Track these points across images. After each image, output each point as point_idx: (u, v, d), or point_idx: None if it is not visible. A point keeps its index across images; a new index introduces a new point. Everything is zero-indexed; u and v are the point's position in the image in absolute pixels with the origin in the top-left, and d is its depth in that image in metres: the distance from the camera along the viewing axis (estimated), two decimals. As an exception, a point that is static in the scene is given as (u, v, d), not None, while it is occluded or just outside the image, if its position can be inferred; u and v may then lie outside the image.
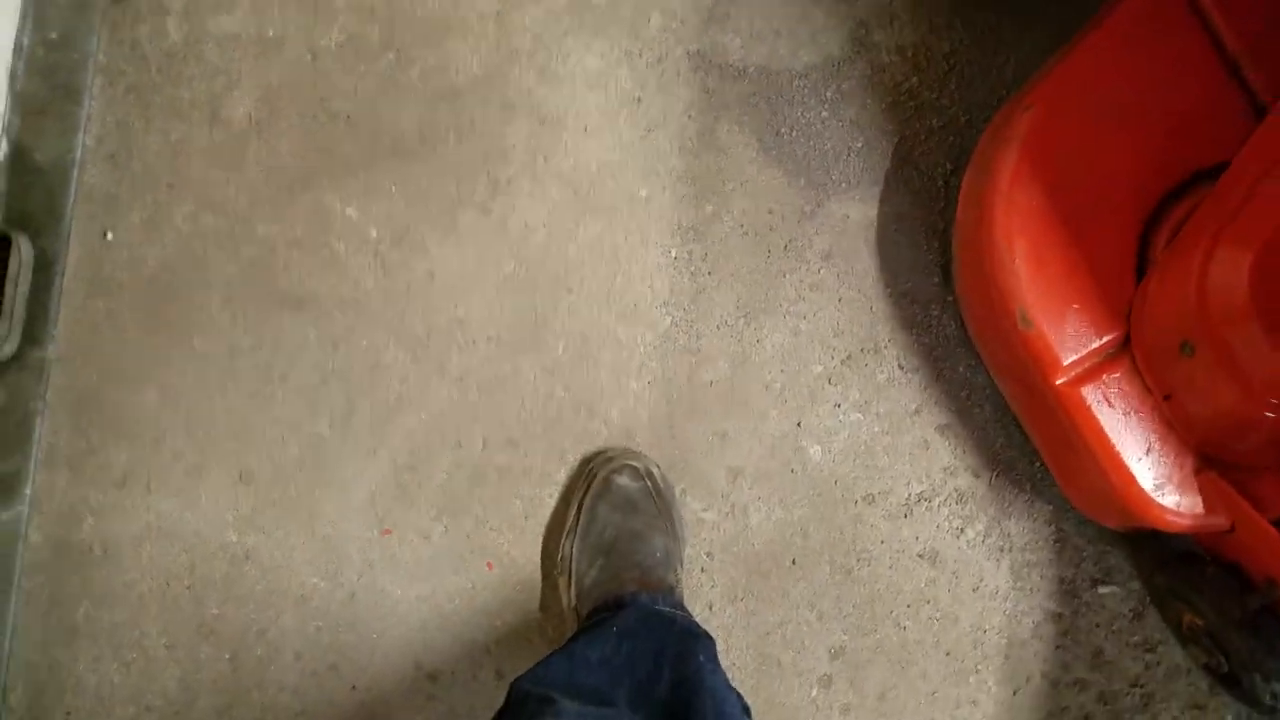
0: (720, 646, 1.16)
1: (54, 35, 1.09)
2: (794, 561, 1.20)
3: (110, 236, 1.14)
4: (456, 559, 1.16)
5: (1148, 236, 1.08)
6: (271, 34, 1.16)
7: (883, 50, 1.19)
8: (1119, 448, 1.07)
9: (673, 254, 1.19)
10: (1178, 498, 1.08)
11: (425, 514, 1.17)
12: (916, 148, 1.20)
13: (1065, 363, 1.07)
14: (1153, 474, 1.07)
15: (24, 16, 1.06)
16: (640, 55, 1.18)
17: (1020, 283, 1.07)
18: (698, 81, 1.18)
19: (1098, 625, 1.21)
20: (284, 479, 1.16)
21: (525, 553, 1.17)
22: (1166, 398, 1.06)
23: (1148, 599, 1.22)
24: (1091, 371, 1.07)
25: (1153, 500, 1.08)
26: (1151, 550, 1.21)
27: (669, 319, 1.18)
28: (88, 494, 1.14)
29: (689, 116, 1.18)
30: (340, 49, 1.16)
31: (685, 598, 1.16)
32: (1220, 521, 1.07)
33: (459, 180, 1.17)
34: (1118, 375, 1.07)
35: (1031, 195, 1.07)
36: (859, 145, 1.19)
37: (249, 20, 1.16)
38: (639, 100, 1.18)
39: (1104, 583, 1.22)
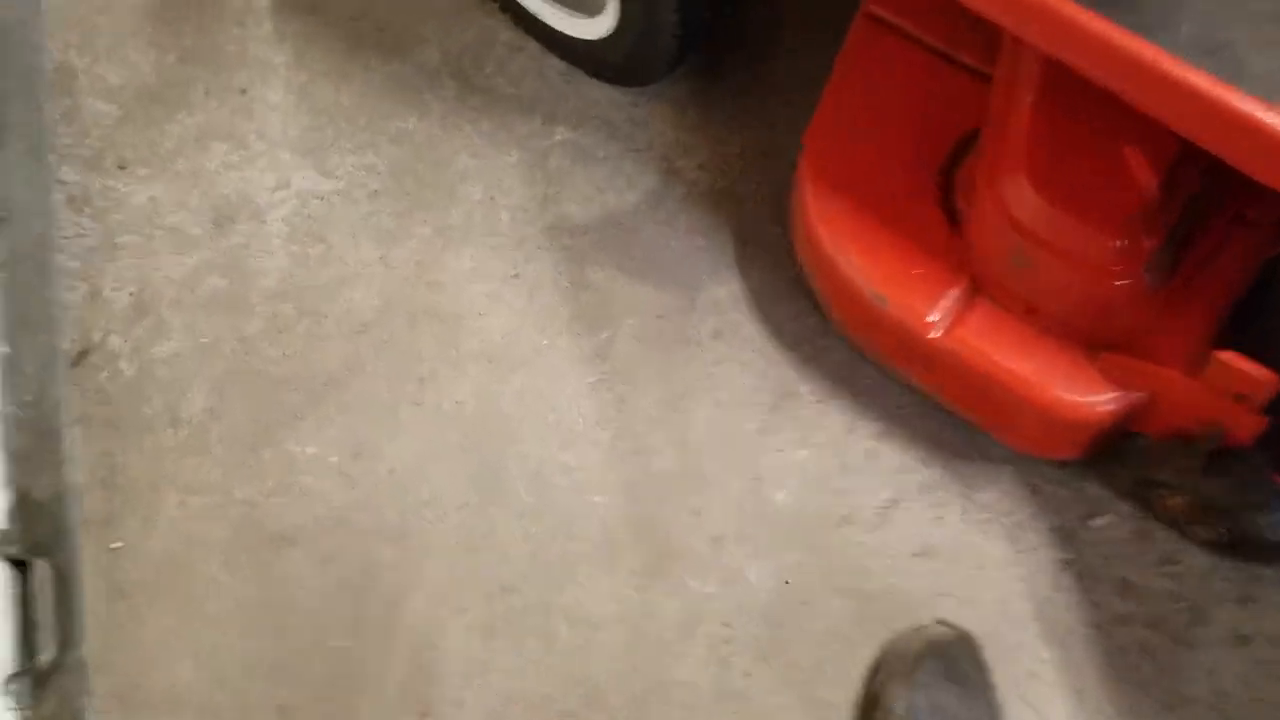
0: (770, 709, 1.20)
1: (28, 398, 1.29)
2: (804, 602, 1.25)
3: (116, 546, 1.29)
4: (492, 716, 1.21)
5: (948, 199, 1.25)
6: (205, 340, 1.37)
7: (687, 171, 1.42)
8: (1016, 369, 1.16)
9: (589, 380, 1.34)
10: (1090, 391, 1.15)
11: (453, 685, 1.23)
12: (749, 230, 1.40)
13: (931, 319, 1.19)
14: (1058, 378, 1.15)
15: (2, 390, 1.27)
16: (504, 246, 1.41)
17: (861, 272, 1.22)
18: (557, 245, 1.40)
19: (1109, 558, 1.24)
20: (320, 699, 1.23)
21: (555, 685, 1.22)
22: (1030, 311, 1.18)
23: (1145, 516, 1.24)
24: (958, 317, 1.20)
25: (1070, 401, 1.15)
26: (1116, 463, 1.24)
27: (607, 434, 1.32)
28: (149, 780, 1.20)
29: (559, 272, 1.39)
30: (264, 331, 1.38)
31: (715, 675, 1.22)
32: (1139, 394, 1.14)
33: (389, 387, 1.34)
34: (980, 312, 1.19)
35: (837, 204, 1.24)
36: (702, 244, 1.39)
37: (184, 338, 1.37)
38: (516, 276, 1.39)
39: (1094, 516, 1.26)
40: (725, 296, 1.37)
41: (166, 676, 1.23)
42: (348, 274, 1.40)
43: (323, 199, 1.44)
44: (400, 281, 1.40)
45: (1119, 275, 1.04)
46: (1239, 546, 1.16)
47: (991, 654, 1.21)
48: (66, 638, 1.20)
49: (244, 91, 1.49)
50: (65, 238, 1.43)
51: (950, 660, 1.18)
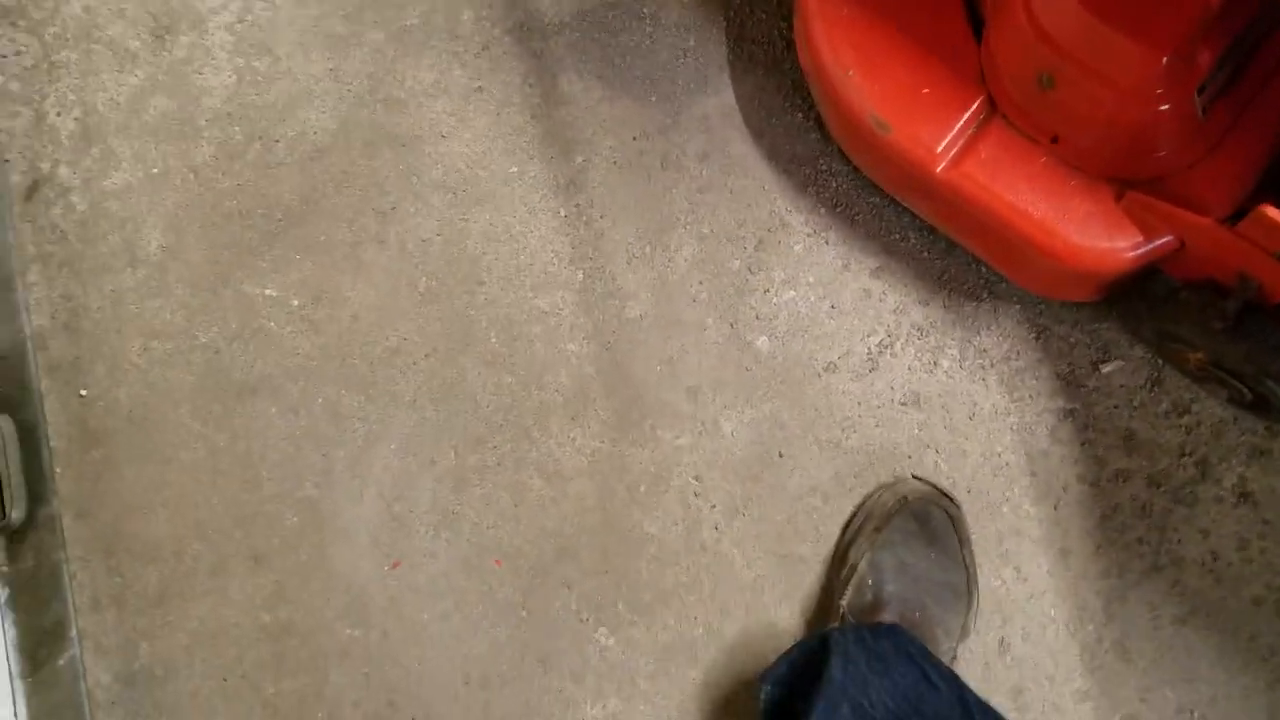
0: (739, 564, 1.15)
1: (-22, 240, 1.24)
2: (780, 454, 1.17)
3: (85, 393, 1.26)
4: (466, 566, 1.19)
5: (971, 4, 1.04)
6: (156, 170, 1.27)
7: None
8: (1031, 210, 1.01)
9: (562, 213, 1.22)
10: (1111, 235, 1.00)
11: (425, 536, 1.20)
12: (746, 24, 1.20)
13: (939, 149, 1.02)
14: (1076, 221, 1.00)
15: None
16: (466, 51, 1.24)
17: (862, 91, 1.04)
18: (526, 51, 1.23)
19: (1116, 407, 1.13)
20: (293, 548, 1.22)
21: (527, 538, 1.19)
22: (1054, 140, 1.00)
23: (1160, 361, 1.12)
24: (969, 147, 1.03)
25: (1088, 246, 1.00)
26: (1135, 305, 1.11)
27: (580, 273, 1.21)
28: (135, 623, 1.23)
29: (529, 85, 1.23)
30: (215, 158, 1.27)
31: (686, 529, 1.16)
32: (1167, 239, 0.99)
33: (350, 225, 1.24)
34: (996, 139, 1.02)
35: (844, 5, 1.05)
36: (691, 44, 1.21)
37: (134, 168, 1.28)
38: (480, 89, 1.24)
39: (1104, 361, 1.13)
40: (714, 110, 1.20)
41: (143, 526, 1.24)
42: (298, 91, 1.26)
43: (264, 6, 1.28)
44: (355, 100, 1.25)
45: (1163, 99, 0.87)
46: (1259, 407, 1.04)
47: (975, 509, 1.13)
48: (37, 494, 1.20)
49: None
50: (2, 56, 1.31)
51: (923, 518, 1.10)
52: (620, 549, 1.19)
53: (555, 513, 1.19)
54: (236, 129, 1.27)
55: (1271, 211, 0.85)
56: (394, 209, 1.24)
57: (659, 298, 1.20)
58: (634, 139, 1.21)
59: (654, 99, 1.21)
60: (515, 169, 1.23)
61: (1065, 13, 0.86)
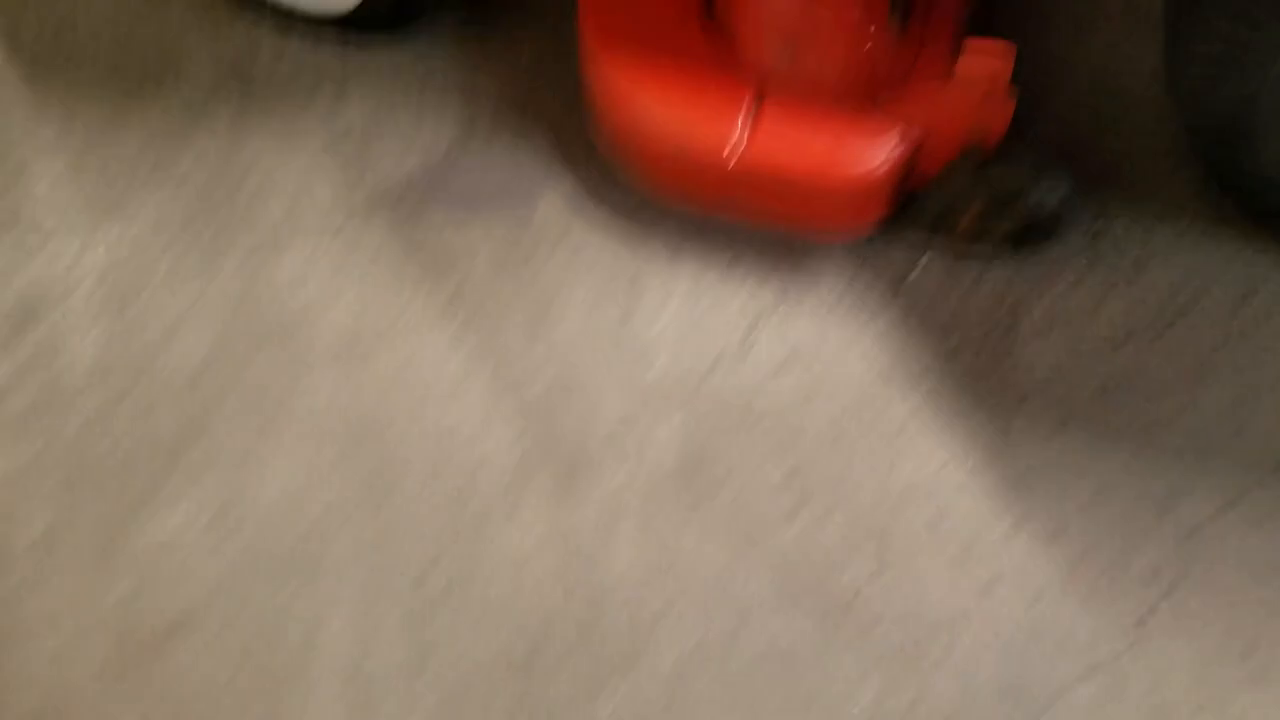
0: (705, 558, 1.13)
1: None
2: (705, 455, 1.18)
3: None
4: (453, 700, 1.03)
5: (715, 25, 1.19)
6: (27, 458, 1.20)
7: (487, 99, 1.34)
8: (818, 154, 1.14)
9: (450, 332, 1.23)
10: (883, 140, 1.13)
11: (393, 695, 1.05)
12: (561, 129, 1.32)
13: (735, 138, 1.14)
14: (854, 145, 1.14)
15: None
16: (329, 229, 1.29)
17: (661, 119, 1.16)
18: (381, 216, 1.29)
19: (933, 299, 1.23)
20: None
21: (504, 638, 1.05)
22: (811, 89, 1.15)
23: (948, 254, 1.24)
24: (755, 126, 1.15)
25: (868, 157, 1.12)
26: (916, 214, 1.23)
27: (482, 378, 1.21)
28: None
29: (391, 241, 1.28)
30: (90, 421, 1.21)
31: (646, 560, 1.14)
32: (918, 128, 1.14)
33: (244, 427, 1.20)
34: (772, 112, 1.16)
35: (624, 64, 1.17)
36: (523, 159, 1.31)
37: (5, 461, 1.21)
38: (349, 257, 1.27)
39: (911, 269, 1.24)
40: (559, 200, 1.28)
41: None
42: (170, 323, 1.26)
43: (126, 257, 1.30)
44: (227, 313, 1.26)
45: (870, 23, 1.10)
46: (1031, 229, 1.17)
47: (865, 421, 1.18)
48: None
49: (19, 172, 1.35)
50: None
51: None
52: (594, 608, 1.12)
53: (522, 601, 1.11)
54: (110, 383, 1.23)
55: (972, 41, 1.09)
56: (289, 393, 1.21)
57: (561, 363, 1.21)
58: (499, 246, 1.26)
59: (505, 210, 1.28)
60: (396, 312, 1.24)
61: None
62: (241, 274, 1.28)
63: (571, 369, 1.21)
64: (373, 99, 1.35)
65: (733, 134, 1.13)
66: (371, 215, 1.29)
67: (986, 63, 1.09)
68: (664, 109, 1.16)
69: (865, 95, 1.14)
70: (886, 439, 1.17)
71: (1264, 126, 1.05)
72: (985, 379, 1.18)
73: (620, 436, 1.18)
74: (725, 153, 1.13)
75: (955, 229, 1.18)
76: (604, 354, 1.22)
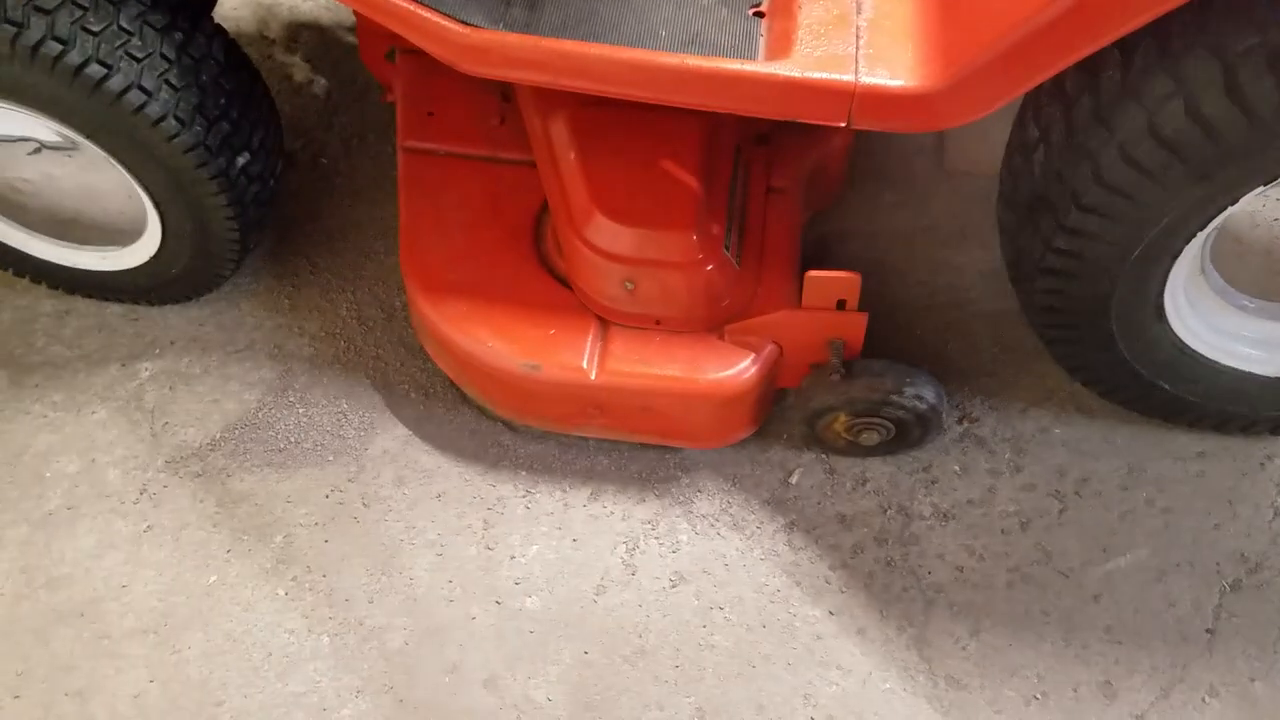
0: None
1: None
2: (602, 688, 1.09)
3: None
4: None
5: (549, 266, 1.19)
6: None
7: (302, 349, 1.28)
8: (670, 374, 1.13)
9: (281, 593, 1.12)
10: (732, 363, 1.13)
11: None
12: (388, 373, 1.27)
13: (584, 365, 1.12)
14: (702, 367, 1.13)
15: None
16: (123, 503, 1.17)
17: (505, 354, 1.13)
18: (186, 476, 1.19)
19: (819, 503, 1.21)
20: None
21: None
22: (658, 322, 1.15)
23: (825, 456, 1.23)
24: (603, 354, 1.13)
25: (720, 379, 1.13)
26: (782, 423, 1.25)
27: (325, 636, 1.10)
28: None
29: (200, 502, 1.18)
30: None
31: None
32: (770, 347, 1.14)
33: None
34: (618, 342, 1.15)
35: (455, 309, 1.15)
36: (346, 406, 1.24)
37: None
38: (149, 528, 1.16)
39: (789, 476, 1.22)
40: (391, 442, 1.22)
41: None
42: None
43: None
44: (11, 598, 1.12)
45: (706, 261, 1.12)
46: (900, 435, 1.18)
47: (775, 638, 1.12)
48: None
49: None
50: None
51: None
52: None
53: None
54: None
55: (813, 273, 1.08)
56: (89, 684, 1.07)
57: (415, 617, 1.11)
58: (326, 497, 1.17)
59: (331, 459, 1.20)
60: (214, 577, 1.13)
61: (618, 233, 1.10)
62: (27, 550, 1.16)
63: (430, 617, 1.12)
64: (168, 359, 1.28)
65: (582, 355, 1.11)
66: (176, 475, 1.20)
67: (831, 287, 1.09)
68: (507, 338, 1.12)
69: (712, 319, 1.14)
70: (803, 652, 1.09)
71: (1120, 326, 1.04)
72: (889, 580, 1.14)
73: (502, 683, 1.09)
74: (580, 367, 1.10)
75: (826, 439, 1.18)
76: (468, 595, 1.13)
